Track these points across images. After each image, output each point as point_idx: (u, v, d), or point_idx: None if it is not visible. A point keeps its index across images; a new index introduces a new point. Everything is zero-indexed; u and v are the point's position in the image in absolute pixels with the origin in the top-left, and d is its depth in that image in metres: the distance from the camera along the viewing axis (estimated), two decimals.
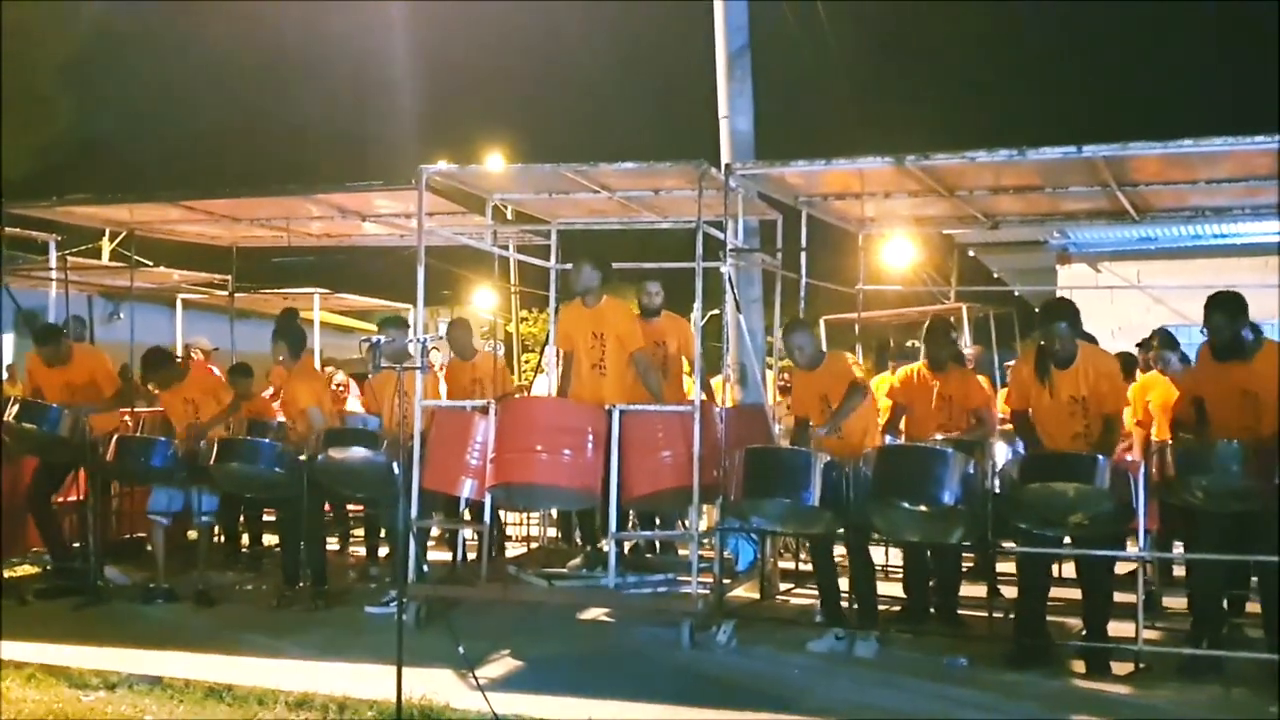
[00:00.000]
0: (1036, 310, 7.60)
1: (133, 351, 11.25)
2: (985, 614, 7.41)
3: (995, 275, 16.95)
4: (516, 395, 10.70)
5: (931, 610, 7.91)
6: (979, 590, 8.05)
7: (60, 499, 9.34)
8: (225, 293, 12.74)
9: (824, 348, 8.23)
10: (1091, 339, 7.70)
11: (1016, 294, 18.06)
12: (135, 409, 10.87)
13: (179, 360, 9.58)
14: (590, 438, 7.53)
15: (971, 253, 15.64)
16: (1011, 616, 7.20)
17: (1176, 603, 8.02)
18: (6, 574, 9.15)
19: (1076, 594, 7.27)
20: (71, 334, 10.18)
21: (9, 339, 19.69)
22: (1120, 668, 6.69)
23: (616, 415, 7.54)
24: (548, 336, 10.44)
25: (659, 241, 11.10)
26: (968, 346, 12.39)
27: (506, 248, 10.34)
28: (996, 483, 6.77)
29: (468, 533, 8.97)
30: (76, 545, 9.17)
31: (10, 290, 10.09)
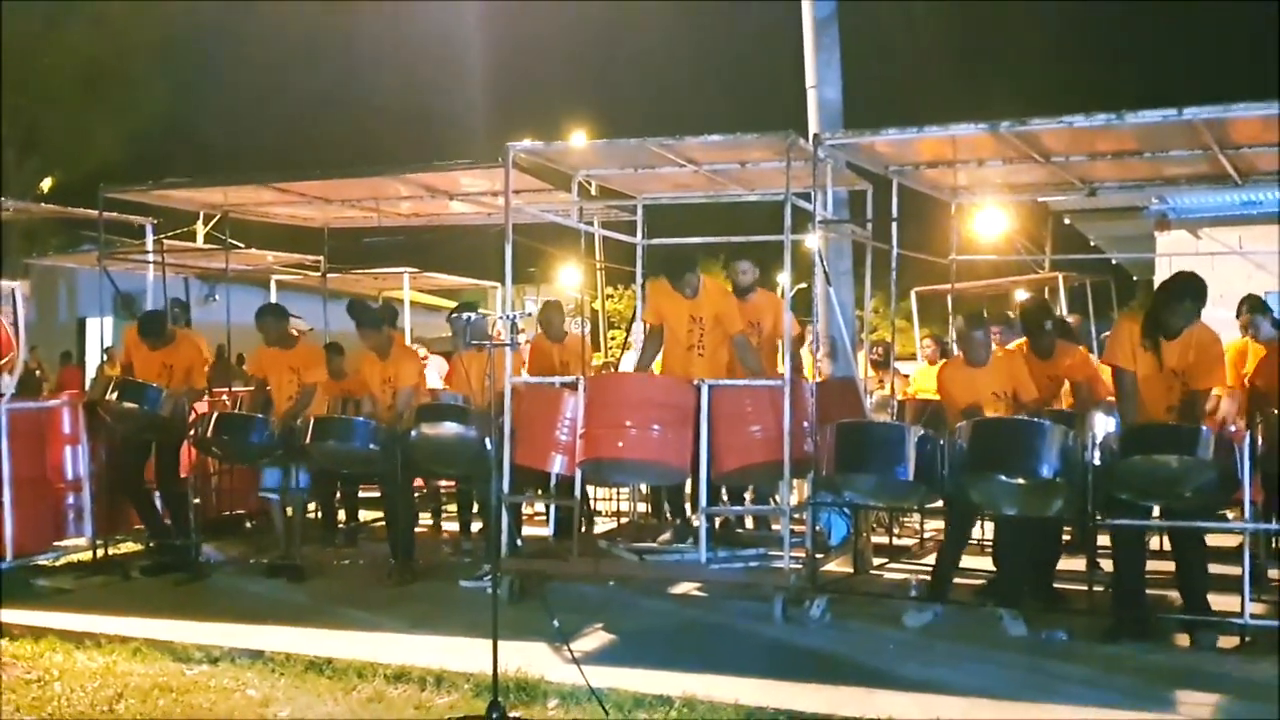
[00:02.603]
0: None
1: (229, 332, 11.46)
2: (1085, 587, 7.29)
3: (1092, 243, 16.62)
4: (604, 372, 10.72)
5: (1026, 585, 7.78)
6: (1078, 564, 7.91)
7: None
8: (318, 273, 12.90)
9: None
10: None
11: (1114, 262, 17.71)
12: (232, 388, 11.08)
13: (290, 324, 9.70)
14: (680, 413, 7.50)
15: (1067, 220, 15.35)
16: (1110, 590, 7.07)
17: None
18: (111, 551, 9.38)
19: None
20: (172, 318, 10.37)
21: (109, 321, 20.13)
22: (1225, 641, 6.54)
23: (706, 390, 7.51)
24: (634, 313, 10.42)
25: (746, 214, 11.00)
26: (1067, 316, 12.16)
27: (592, 224, 10.32)
28: (1096, 455, 6.63)
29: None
30: (168, 522, 9.35)
31: (110, 274, 10.29)
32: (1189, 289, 6.74)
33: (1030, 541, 7.33)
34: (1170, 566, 7.15)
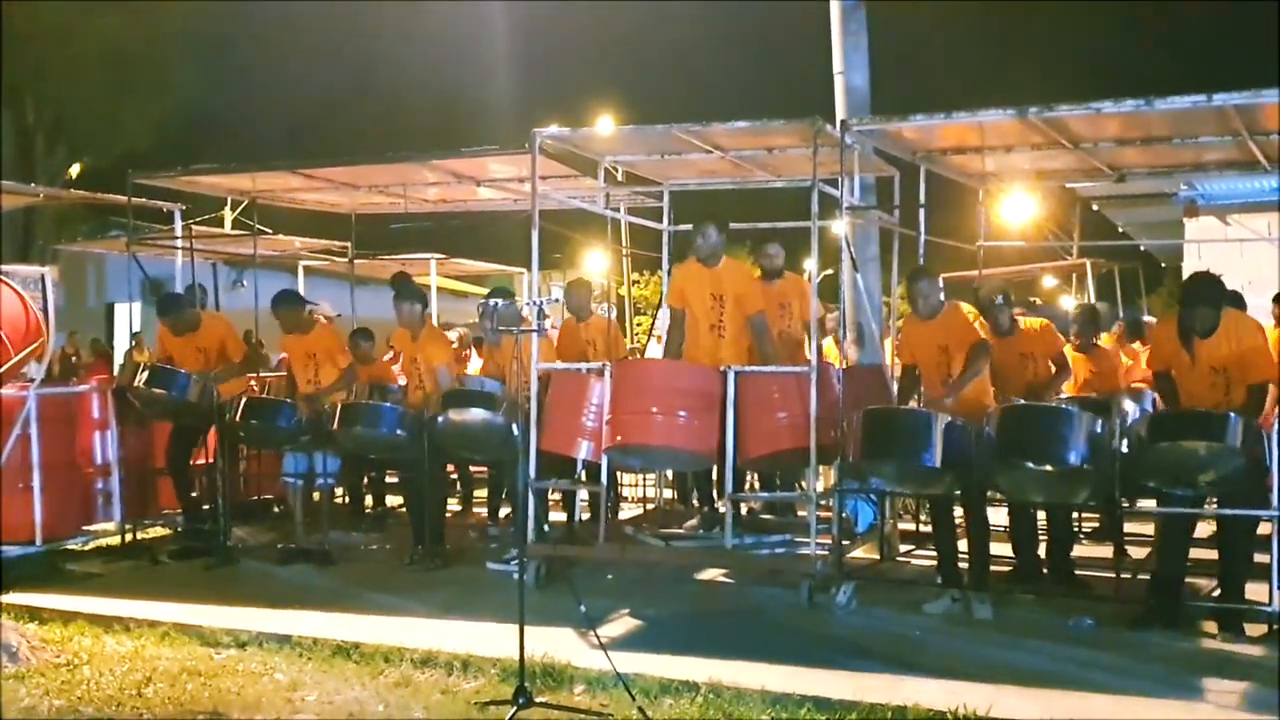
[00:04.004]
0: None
1: (257, 318, 11.51)
2: (1112, 575, 7.25)
3: (1120, 229, 16.52)
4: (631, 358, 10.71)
5: (1047, 571, 7.76)
6: (1105, 551, 7.87)
7: (192, 462, 9.60)
8: (345, 259, 12.96)
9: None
10: (1238, 299, 7.45)
11: (1142, 248, 17.60)
12: (261, 374, 11.13)
13: (309, 313, 9.70)
14: (706, 399, 7.50)
15: (1095, 206, 15.25)
16: (1140, 577, 7.03)
17: None
18: (140, 535, 9.45)
19: (1205, 554, 7.08)
20: (194, 301, 10.43)
21: (137, 307, 20.25)
22: (1253, 630, 6.51)
23: (732, 376, 7.50)
24: (660, 300, 10.41)
25: (772, 201, 10.99)
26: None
27: (618, 210, 10.32)
28: (1124, 442, 6.59)
29: (584, 494, 9.01)
30: (206, 507, 9.42)
31: (138, 259, 10.36)
32: (1200, 294, 6.73)
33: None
34: (1195, 554, 7.12)
